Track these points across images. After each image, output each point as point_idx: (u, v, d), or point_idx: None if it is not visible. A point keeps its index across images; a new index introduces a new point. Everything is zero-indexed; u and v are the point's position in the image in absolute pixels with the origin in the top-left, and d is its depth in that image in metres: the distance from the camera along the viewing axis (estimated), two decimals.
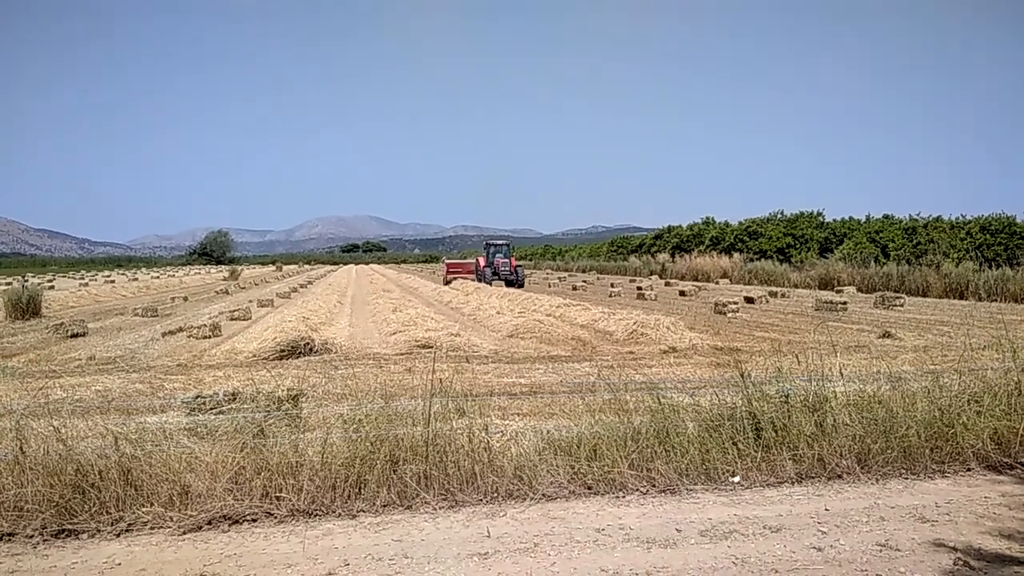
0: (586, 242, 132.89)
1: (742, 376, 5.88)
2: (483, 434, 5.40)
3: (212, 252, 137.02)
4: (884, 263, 34.32)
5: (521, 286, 35.37)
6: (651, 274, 49.76)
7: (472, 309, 22.34)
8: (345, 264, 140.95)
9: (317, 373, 10.67)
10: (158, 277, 63.22)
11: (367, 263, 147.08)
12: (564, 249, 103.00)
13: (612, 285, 36.16)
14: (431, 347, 13.44)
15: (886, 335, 14.84)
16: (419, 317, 18.15)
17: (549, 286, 39.21)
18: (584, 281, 40.64)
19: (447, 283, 39.57)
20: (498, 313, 19.67)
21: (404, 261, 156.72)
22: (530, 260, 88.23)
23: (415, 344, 13.87)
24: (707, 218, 61.79)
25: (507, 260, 37.58)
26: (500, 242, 40.88)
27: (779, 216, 52.48)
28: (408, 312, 19.80)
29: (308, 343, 13.34)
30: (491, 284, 35.01)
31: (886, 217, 46.53)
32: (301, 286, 42.55)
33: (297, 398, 6.02)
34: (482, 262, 38.44)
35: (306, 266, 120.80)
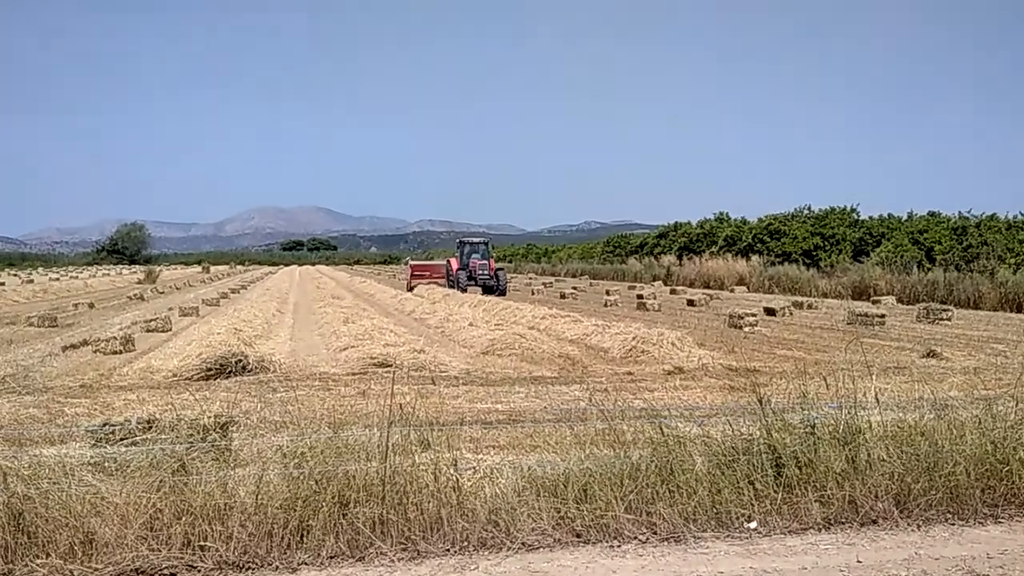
0: (577, 241, 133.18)
1: (760, 402, 5.92)
2: (451, 471, 5.39)
3: (124, 249, 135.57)
4: (929, 269, 34.83)
5: (503, 294, 35.22)
6: (654, 280, 50.09)
7: (440, 320, 22.32)
8: (287, 265, 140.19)
9: (251, 396, 10.59)
10: (58, 279, 62.49)
11: (313, 263, 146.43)
12: (550, 249, 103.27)
13: (607, 293, 36.33)
14: (390, 366, 13.41)
15: (930, 354, 15.06)
16: (375, 329, 18.10)
17: (532, 293, 39.30)
18: (574, 288, 40.80)
19: (411, 289, 39.43)
20: (471, 325, 19.68)
21: (358, 261, 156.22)
22: (510, 262, 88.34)
23: (370, 362, 13.83)
24: (721, 214, 62.34)
25: (485, 262, 37.31)
26: (477, 239, 40.72)
27: (805, 212, 53.10)
28: (362, 323, 19.74)
29: (241, 360, 13.25)
30: (465, 291, 34.84)
31: (931, 215, 47.22)
32: (233, 291, 42.26)
33: (226, 427, 5.98)
34: (454, 264, 38.19)
35: (239, 267, 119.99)
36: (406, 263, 48.20)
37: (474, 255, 38.37)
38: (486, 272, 36.66)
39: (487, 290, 35.88)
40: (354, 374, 13.13)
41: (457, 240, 40.72)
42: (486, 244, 39.69)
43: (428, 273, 42.74)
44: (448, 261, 40.15)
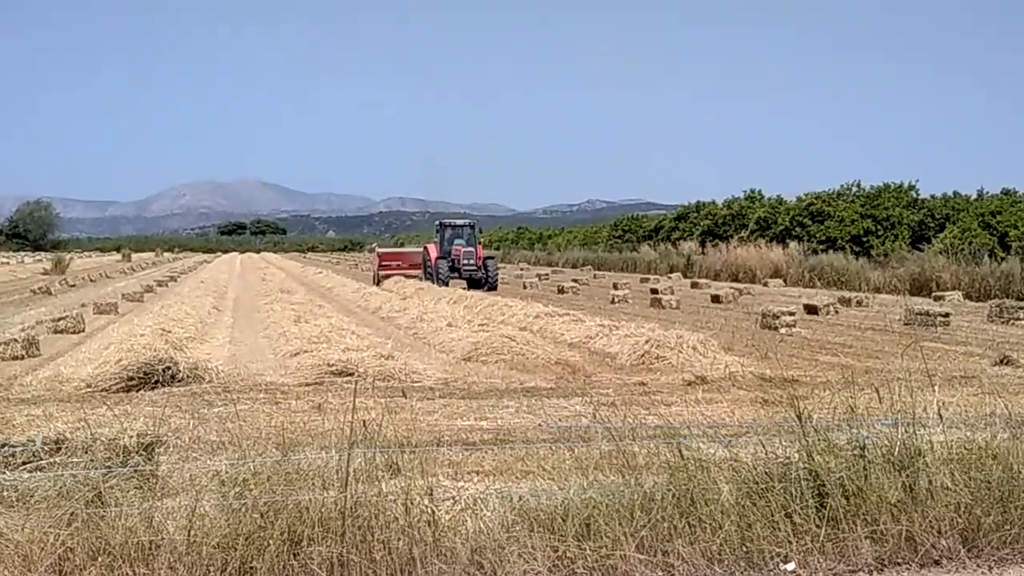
0: (578, 224, 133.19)
1: (799, 419, 5.94)
2: (426, 502, 5.39)
3: (27, 233, 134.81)
4: (1003, 258, 35.00)
5: (493, 288, 35.12)
6: (671, 271, 50.22)
7: (412, 319, 22.30)
8: (225, 251, 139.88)
9: (182, 411, 10.55)
10: None
11: (258, 250, 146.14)
12: (547, 234, 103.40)
13: (615, 286, 36.36)
14: (351, 374, 13.39)
15: (1004, 361, 15.14)
16: (334, 331, 18.07)
17: (524, 287, 39.33)
18: (575, 280, 40.83)
19: (378, 282, 39.20)
20: (450, 325, 19.68)
21: (313, 248, 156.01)
22: (497, 248, 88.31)
23: (327, 370, 13.81)
24: (752, 192, 62.52)
25: (471, 249, 37.14)
26: (461, 221, 40.52)
27: (854, 190, 53.29)
28: (318, 323, 19.70)
29: (169, 368, 13.21)
30: (447, 284, 34.74)
31: (1006, 193, 47.53)
32: (160, 284, 42.13)
33: (152, 448, 5.96)
34: (433, 252, 38.00)
35: (167, 254, 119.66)
36: (372, 250, 47.58)
37: (457, 240, 38.20)
38: (472, 261, 36.39)
39: (473, 284, 35.69)
40: (307, 385, 13.09)
41: (436, 222, 40.33)
42: (472, 227, 39.50)
43: (400, 263, 42.17)
44: (425, 248, 39.86)
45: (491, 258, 38.13)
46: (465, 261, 36.34)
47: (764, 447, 5.96)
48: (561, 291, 35.75)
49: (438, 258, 37.25)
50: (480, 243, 39.25)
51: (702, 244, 56.62)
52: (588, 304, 28.94)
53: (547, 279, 46.60)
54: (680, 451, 5.77)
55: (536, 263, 71.74)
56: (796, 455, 5.83)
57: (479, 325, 19.55)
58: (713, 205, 64.65)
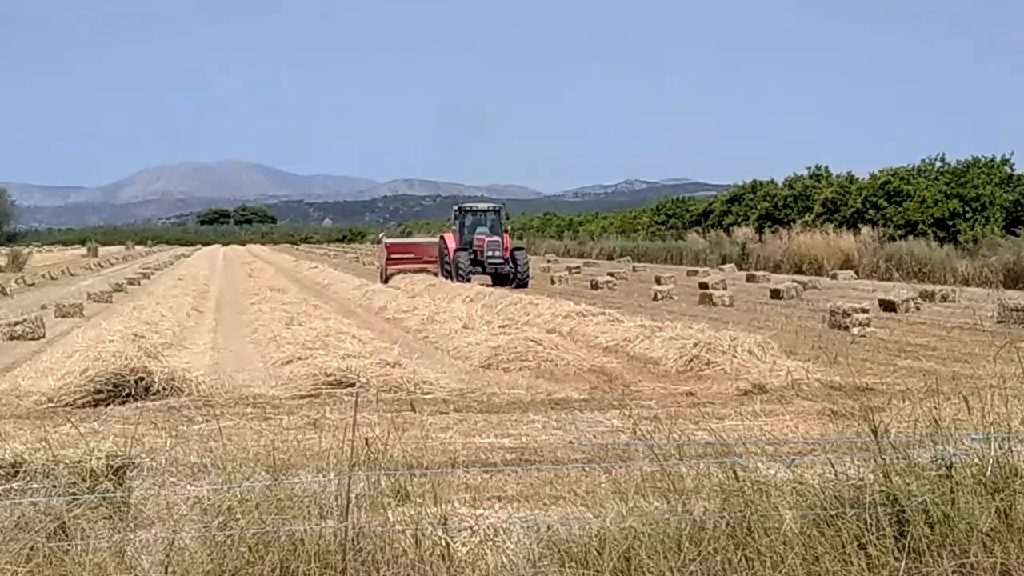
0: (614, 208, 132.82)
1: (875, 434, 5.91)
2: (439, 532, 5.39)
3: None
4: None
5: (523, 285, 34.92)
6: (723, 262, 50.07)
7: (422, 321, 22.34)
8: (207, 244, 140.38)
9: (158, 429, 10.61)
10: None
11: (243, 242, 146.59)
12: (577, 220, 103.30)
13: (658, 280, 36.30)
14: (352, 385, 13.41)
15: None
16: (332, 335, 18.10)
17: (552, 282, 39.29)
18: (611, 274, 40.77)
19: (387, 279, 38.99)
20: (465, 328, 19.69)
21: (307, 239, 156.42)
22: (520, 237, 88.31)
23: (324, 380, 13.84)
24: (817, 168, 62.23)
25: (496, 238, 36.77)
26: (484, 206, 40.43)
27: (937, 166, 52.87)
28: (313, 326, 19.75)
29: (143, 378, 13.27)
30: (469, 280, 34.44)
31: None
32: (131, 281, 42.36)
33: (123, 472, 5.99)
34: (451, 242, 37.68)
35: (140, 247, 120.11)
36: (379, 241, 46.93)
37: (480, 228, 37.92)
38: (498, 253, 36.10)
39: (499, 280, 35.56)
40: (301, 397, 13.13)
41: (455, 207, 40.07)
42: (497, 212, 39.24)
43: (412, 255, 41.54)
44: (442, 238, 39.52)
45: (520, 249, 37.74)
46: (490, 253, 35.97)
47: (833, 467, 5.94)
48: (595, 286, 35.73)
49: (457, 249, 36.81)
50: (507, 231, 38.87)
51: (759, 230, 56.37)
52: (626, 301, 28.88)
53: (578, 272, 46.54)
54: (735, 472, 5.76)
55: (565, 254, 71.65)
56: (871, 476, 5.80)
57: (500, 327, 19.54)
58: (772, 185, 64.35)
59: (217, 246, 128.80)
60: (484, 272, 36.05)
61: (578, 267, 50.43)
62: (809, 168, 62.62)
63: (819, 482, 5.87)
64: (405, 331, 21.77)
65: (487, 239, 36.50)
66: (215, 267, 61.82)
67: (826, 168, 61.89)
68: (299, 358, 15.71)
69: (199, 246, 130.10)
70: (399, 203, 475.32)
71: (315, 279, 44.64)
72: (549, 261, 59.08)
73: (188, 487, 6.03)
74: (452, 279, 34.89)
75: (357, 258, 71.60)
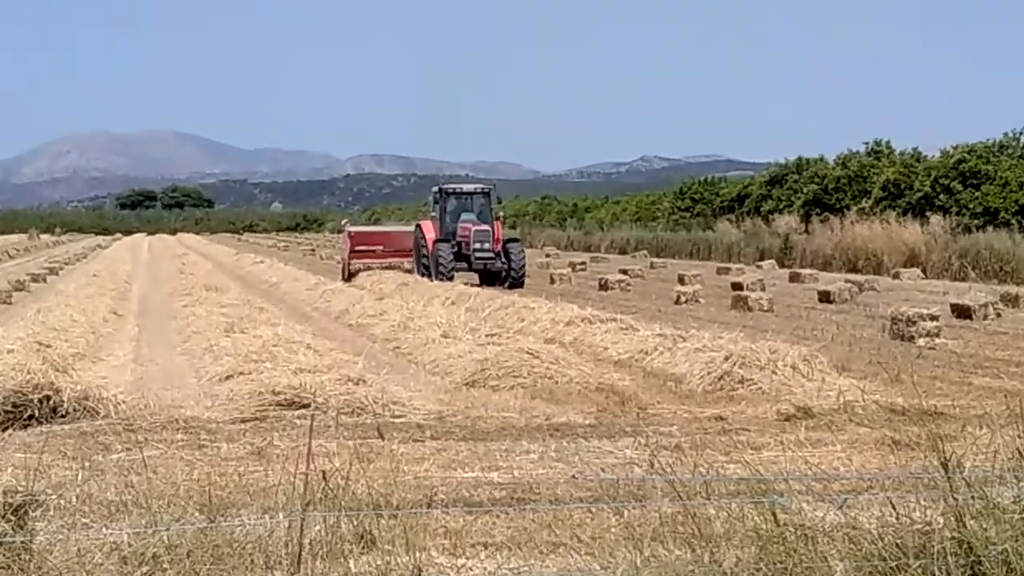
0: (628, 190, 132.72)
1: (945, 468, 5.91)
2: None
3: None
4: None
5: (518, 284, 34.97)
6: (761, 257, 50.07)
7: (392, 328, 22.32)
8: (128, 232, 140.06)
9: (68, 459, 10.57)
10: None
11: (174, 230, 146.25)
12: (583, 205, 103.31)
13: (681, 280, 36.32)
14: (306, 406, 13.39)
15: None
16: (281, 344, 18.07)
17: (552, 281, 39.23)
18: (624, 271, 40.78)
19: (350, 276, 38.84)
20: (445, 336, 19.66)
21: (252, 227, 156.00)
22: (513, 226, 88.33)
23: (272, 400, 13.81)
24: (877, 144, 62.27)
25: (486, 227, 36.76)
26: (471, 187, 40.52)
27: (1021, 140, 52.94)
28: (259, 333, 19.70)
29: (49, 397, 13.19)
30: (451, 279, 34.33)
31: None
32: (35, 278, 42.23)
33: (24, 512, 5.96)
34: (430, 232, 37.48)
35: (46, 236, 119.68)
36: (342, 230, 46.49)
37: (466, 215, 37.94)
38: (488, 245, 36.14)
39: (489, 278, 35.60)
40: (244, 421, 13.09)
41: (434, 188, 40.16)
42: (487, 195, 39.30)
43: (382, 247, 41.27)
44: (418, 226, 39.30)
45: (515, 240, 37.82)
46: (477, 245, 35.96)
47: (894, 508, 5.93)
48: (604, 286, 35.71)
49: (438, 240, 36.72)
50: (499, 218, 38.99)
51: (805, 219, 56.48)
52: (643, 305, 28.91)
53: (584, 269, 46.55)
54: (774, 515, 5.75)
55: (568, 246, 71.68)
56: (940, 520, 5.80)
57: (487, 335, 19.51)
58: (821, 163, 64.44)
59: (141, 235, 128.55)
60: (470, 269, 36.06)
61: (583, 263, 50.39)
62: (866, 143, 62.84)
63: (877, 527, 5.87)
64: (371, 340, 21.74)
65: (474, 228, 36.46)
66: (138, 261, 61.76)
67: (887, 143, 62.02)
68: (241, 373, 15.67)
69: (119, 235, 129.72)
70: (364, 183, 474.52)
71: (261, 276, 44.62)
72: (548, 255, 59.16)
73: (104, 531, 6.01)
74: (431, 277, 34.84)
75: (313, 250, 71.59)
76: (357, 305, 27.29)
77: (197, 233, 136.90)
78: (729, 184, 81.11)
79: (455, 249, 36.38)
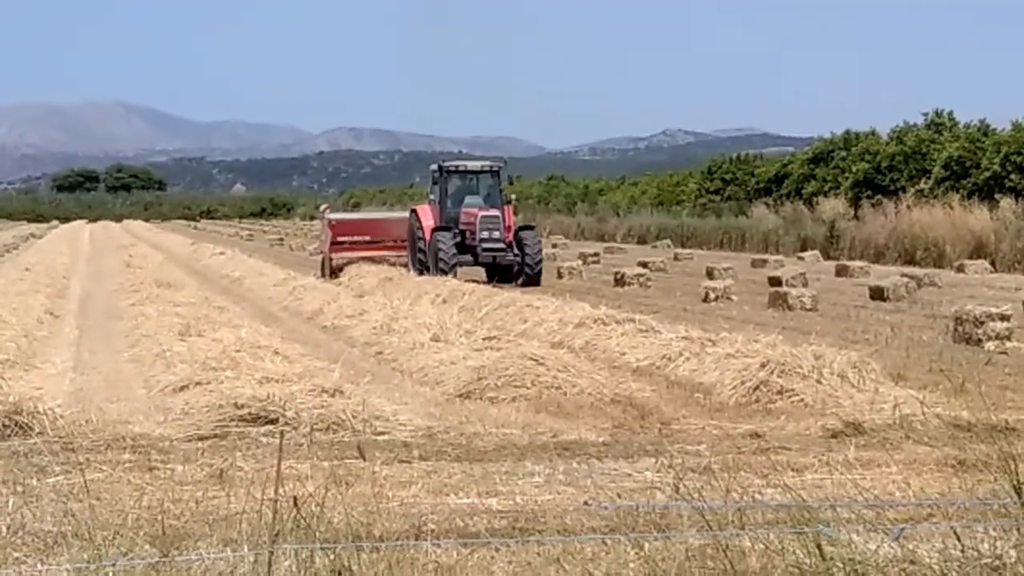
0: (648, 169, 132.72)
1: (1018, 493, 5.91)
2: None
3: None
4: None
5: (534, 281, 34.58)
6: (803, 247, 50.13)
7: (374, 330, 22.32)
8: (67, 219, 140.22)
9: None
10: None
11: (119, 217, 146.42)
12: (596, 186, 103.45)
13: (710, 274, 36.35)
14: (273, 421, 13.39)
15: None
16: (245, 349, 18.07)
17: (561, 274, 39.25)
18: (644, 264, 40.83)
19: (334, 272, 38.45)
20: (436, 340, 19.67)
21: (211, 212, 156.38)
22: (516, 212, 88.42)
23: (234, 415, 13.79)
24: (937, 116, 62.23)
25: (495, 212, 36.47)
26: (476, 165, 40.23)
27: None
28: (219, 337, 19.71)
29: None
30: (454, 274, 34.04)
31: None
32: None
33: None
34: (428, 219, 37.35)
35: None
36: (321, 216, 46.00)
37: (470, 198, 37.74)
38: (497, 234, 35.82)
39: (499, 273, 35.50)
40: (202, 439, 13.07)
41: (432, 167, 39.85)
42: (496, 175, 38.99)
43: (369, 237, 40.76)
44: (413, 212, 39.08)
45: (530, 228, 37.57)
46: (485, 234, 35.58)
47: (959, 540, 5.93)
48: (620, 282, 35.69)
49: (437, 228, 36.46)
50: (510, 202, 38.57)
51: (854, 203, 56.47)
52: (665, 303, 28.93)
53: (597, 262, 46.60)
54: (819, 547, 5.76)
55: (579, 235, 71.74)
56: (1013, 553, 5.80)
57: (484, 339, 19.53)
58: (873, 138, 64.41)
59: (81, 222, 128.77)
60: (477, 262, 35.87)
61: (596, 254, 50.42)
62: (926, 115, 62.84)
63: (939, 560, 5.88)
64: (350, 344, 21.75)
65: (481, 213, 36.08)
66: (79, 252, 61.82)
67: (950, 115, 62.02)
68: (198, 383, 15.65)
69: (55, 222, 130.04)
70: (341, 162, 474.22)
71: (221, 270, 44.65)
72: (555, 245, 59.06)
73: (40, 566, 6.01)
74: (431, 271, 34.58)
75: (281, 240, 71.78)
76: (333, 304, 27.27)
77: (147, 220, 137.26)
78: (766, 162, 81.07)
79: (458, 239, 36.00)
